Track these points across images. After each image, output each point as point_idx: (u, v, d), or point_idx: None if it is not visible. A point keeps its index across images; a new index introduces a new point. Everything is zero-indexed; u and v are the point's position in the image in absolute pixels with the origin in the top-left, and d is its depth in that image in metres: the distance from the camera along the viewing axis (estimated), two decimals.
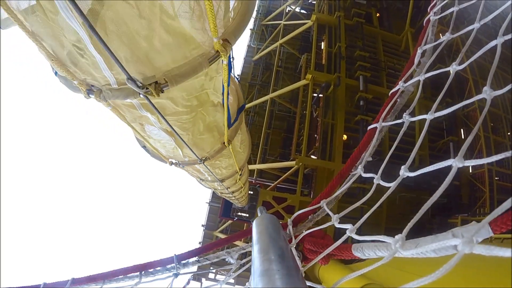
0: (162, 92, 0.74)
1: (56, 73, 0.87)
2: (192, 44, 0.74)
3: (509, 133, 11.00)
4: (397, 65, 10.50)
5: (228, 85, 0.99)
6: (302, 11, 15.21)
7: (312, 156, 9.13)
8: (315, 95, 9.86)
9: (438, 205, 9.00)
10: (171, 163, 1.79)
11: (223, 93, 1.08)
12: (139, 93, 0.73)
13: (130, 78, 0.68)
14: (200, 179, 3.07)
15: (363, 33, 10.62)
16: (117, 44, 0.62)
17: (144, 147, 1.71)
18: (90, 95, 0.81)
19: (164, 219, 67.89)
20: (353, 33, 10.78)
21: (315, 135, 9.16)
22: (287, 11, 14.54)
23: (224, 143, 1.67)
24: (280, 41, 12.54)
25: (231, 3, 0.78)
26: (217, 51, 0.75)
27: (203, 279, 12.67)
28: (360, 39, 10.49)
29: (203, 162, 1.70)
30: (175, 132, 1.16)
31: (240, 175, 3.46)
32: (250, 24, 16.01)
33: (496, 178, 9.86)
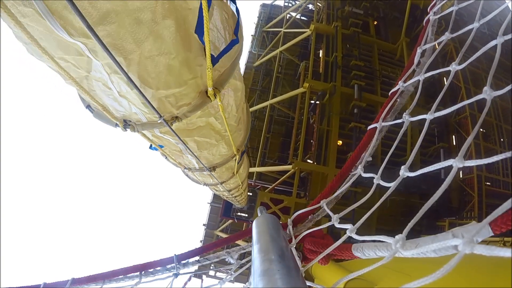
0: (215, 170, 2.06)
1: (165, 157, 1.94)
2: (227, 155, 2.00)
3: (502, 140, 11.37)
4: (391, 74, 10.93)
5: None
6: (303, 17, 15.67)
7: (308, 161, 9.64)
8: (312, 102, 10.36)
9: (428, 208, 9.41)
10: (204, 184, 3.10)
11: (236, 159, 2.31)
12: (208, 171, 2.06)
13: (207, 168, 1.96)
14: (215, 190, 4.32)
15: (360, 42, 11.07)
16: (202, 159, 1.82)
17: (187, 175, 2.81)
18: (185, 172, 2.08)
19: (167, 218, 68.76)
20: (350, 42, 11.24)
21: (311, 141, 9.66)
22: (287, 17, 15.02)
23: (234, 173, 2.87)
24: (280, 49, 13.03)
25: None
26: (235, 154, 1.96)
27: (204, 276, 13.23)
28: (356, 48, 10.94)
29: (222, 184, 2.95)
30: (213, 175, 2.34)
31: (242, 185, 4.31)
32: (252, 30, 16.52)
33: (487, 183, 10.26)
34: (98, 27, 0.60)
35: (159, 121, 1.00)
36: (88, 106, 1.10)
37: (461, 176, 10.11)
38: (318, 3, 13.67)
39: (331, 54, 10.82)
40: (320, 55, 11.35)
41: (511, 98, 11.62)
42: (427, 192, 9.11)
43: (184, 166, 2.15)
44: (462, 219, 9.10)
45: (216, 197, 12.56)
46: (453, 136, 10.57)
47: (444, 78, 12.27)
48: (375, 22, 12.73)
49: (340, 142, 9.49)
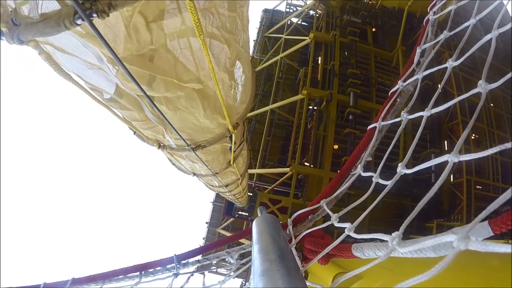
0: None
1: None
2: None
3: (493, 146, 11.79)
4: (387, 81, 11.42)
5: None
6: (304, 23, 16.14)
7: (306, 163, 10.21)
8: (310, 107, 10.92)
9: (421, 209, 9.96)
10: (211, 187, 3.51)
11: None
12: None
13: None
14: (219, 191, 4.80)
15: (357, 50, 11.55)
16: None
17: (197, 176, 2.87)
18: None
19: (171, 217, 69.69)
20: (348, 50, 11.73)
21: (309, 145, 10.23)
22: (288, 23, 15.51)
23: (237, 177, 3.23)
24: (281, 55, 13.56)
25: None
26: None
27: (206, 272, 13.85)
28: (353, 56, 11.43)
29: (226, 186, 3.36)
30: (219, 180, 2.59)
31: (243, 190, 4.94)
32: (254, 36, 17.04)
33: (478, 187, 10.72)
34: (181, 133, 1.22)
35: (187, 148, 1.58)
36: (135, 133, 1.71)
37: (451, 180, 10.58)
38: (318, 10, 14.16)
39: (329, 62, 11.33)
40: (319, 62, 11.87)
41: (511, 104, 12.02)
42: (418, 195, 9.64)
43: (193, 173, 2.60)
44: (450, 221, 9.60)
45: (218, 197, 13.20)
46: (445, 142, 11.03)
47: (439, 85, 12.72)
48: (374, 29, 13.17)
49: (336, 146, 10.05)
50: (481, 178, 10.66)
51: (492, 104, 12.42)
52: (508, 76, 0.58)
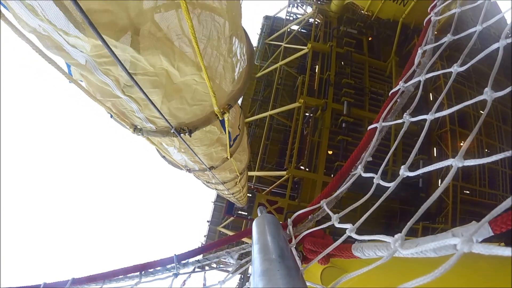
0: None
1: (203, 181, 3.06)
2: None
3: (482, 152, 12.38)
4: (380, 90, 12.04)
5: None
6: (303, 30, 16.76)
7: (301, 167, 10.91)
8: (307, 114, 11.60)
9: (407, 212, 10.64)
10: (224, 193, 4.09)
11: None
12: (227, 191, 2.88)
13: (223, 184, 2.86)
14: (218, 190, 5.43)
15: (352, 60, 12.20)
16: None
17: (196, 175, 3.15)
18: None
19: (174, 215, 70.33)
20: (344, 59, 12.37)
21: (305, 150, 10.92)
22: (288, 31, 16.15)
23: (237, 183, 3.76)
24: (280, 63, 14.23)
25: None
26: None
27: (206, 267, 14.57)
28: (348, 66, 12.07)
29: (225, 186, 3.76)
30: (221, 182, 3.20)
31: (242, 186, 5.54)
32: (255, 42, 17.68)
33: (466, 192, 11.32)
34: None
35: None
36: (164, 157, 2.33)
37: (439, 185, 11.15)
38: (317, 20, 14.79)
39: (325, 72, 11.99)
40: (316, 71, 12.53)
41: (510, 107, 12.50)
42: (406, 199, 10.30)
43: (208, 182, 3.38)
44: (435, 223, 10.24)
45: (219, 197, 13.93)
46: (434, 149, 11.64)
47: (430, 94, 13.31)
48: (370, 38, 13.78)
49: (330, 152, 10.73)
50: (468, 184, 11.26)
51: (482, 112, 13.01)
52: None
